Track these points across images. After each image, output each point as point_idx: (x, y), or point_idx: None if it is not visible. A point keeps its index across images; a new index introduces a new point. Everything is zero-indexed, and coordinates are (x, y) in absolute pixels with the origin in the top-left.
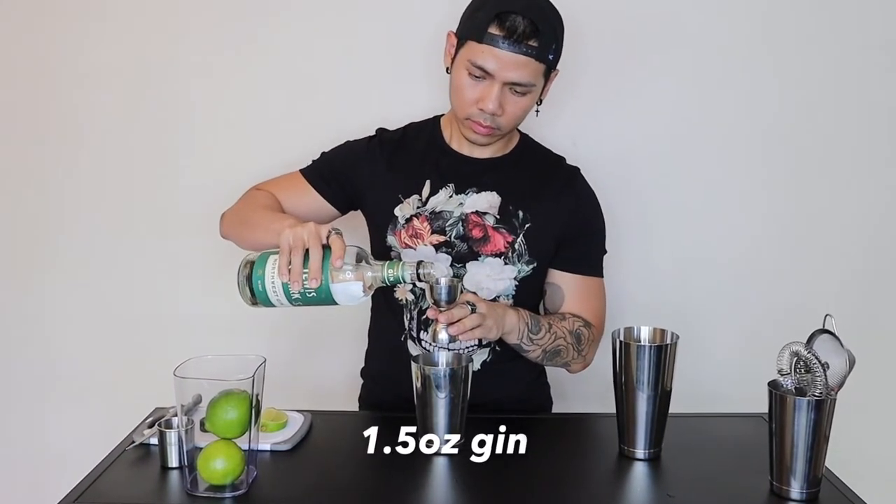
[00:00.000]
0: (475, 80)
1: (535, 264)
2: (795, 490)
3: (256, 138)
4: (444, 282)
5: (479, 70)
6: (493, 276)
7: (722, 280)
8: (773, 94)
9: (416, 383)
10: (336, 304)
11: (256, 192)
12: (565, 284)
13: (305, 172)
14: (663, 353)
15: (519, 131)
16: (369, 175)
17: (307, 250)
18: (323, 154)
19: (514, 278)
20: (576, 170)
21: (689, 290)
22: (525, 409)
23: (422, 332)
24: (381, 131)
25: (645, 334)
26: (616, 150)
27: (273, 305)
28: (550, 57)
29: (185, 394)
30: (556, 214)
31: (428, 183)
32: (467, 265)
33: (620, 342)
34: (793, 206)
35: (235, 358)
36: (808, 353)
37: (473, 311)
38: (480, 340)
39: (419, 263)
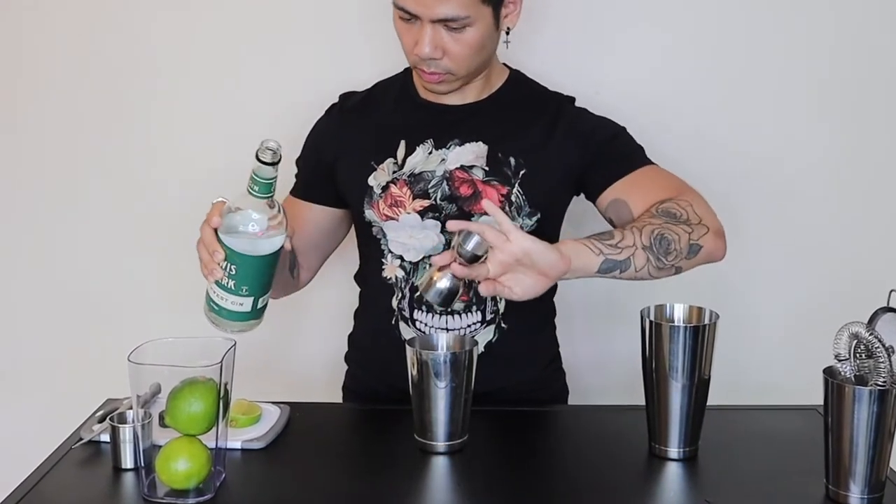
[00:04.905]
0: (407, 24)
1: (538, 215)
2: (855, 495)
3: (219, 94)
4: (475, 239)
5: (404, 12)
6: None
7: (769, 251)
8: (830, 30)
9: (412, 370)
10: (269, 253)
11: None
12: (622, 192)
13: (294, 191)
14: (700, 336)
15: (509, 68)
16: (337, 149)
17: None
18: (297, 162)
19: None
20: (570, 98)
21: (731, 261)
22: (536, 399)
23: (415, 311)
24: (345, 97)
25: (679, 313)
26: (646, 97)
27: (252, 314)
28: None
29: (141, 383)
30: (555, 155)
31: (402, 143)
32: None
33: (651, 322)
34: (854, 164)
35: (200, 341)
36: (870, 335)
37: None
38: (484, 315)
39: (257, 151)
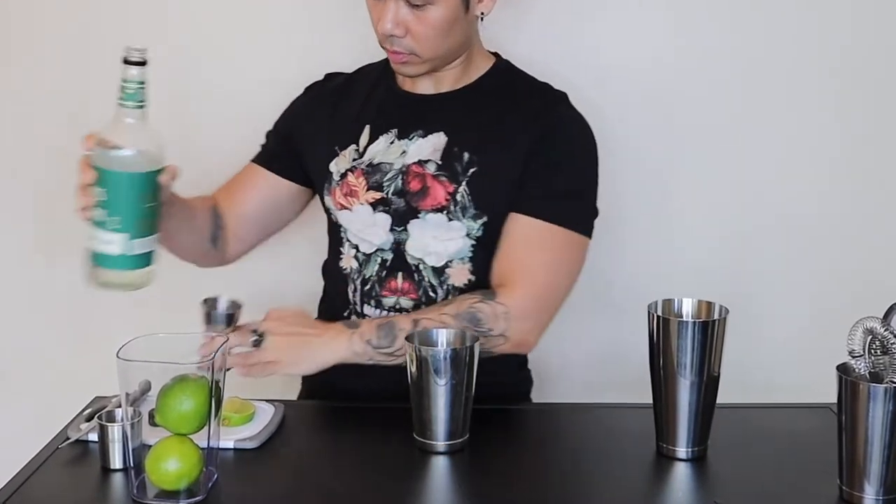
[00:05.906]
0: None
1: (484, 219)
2: (870, 496)
3: (215, 91)
4: (223, 302)
5: None
6: (439, 237)
7: (781, 242)
8: (844, 20)
9: (411, 367)
10: (141, 172)
11: None
12: (512, 228)
13: (255, 158)
14: (710, 331)
15: (497, 56)
16: (309, 130)
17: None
18: (267, 134)
19: (468, 236)
20: (561, 96)
21: (741, 254)
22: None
23: (366, 305)
24: (329, 77)
25: (687, 308)
26: (651, 84)
27: (127, 260)
28: None
29: (130, 380)
30: (511, 152)
31: (367, 129)
32: (408, 226)
33: (658, 317)
34: (870, 154)
35: (191, 337)
36: (886, 330)
37: (259, 342)
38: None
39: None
